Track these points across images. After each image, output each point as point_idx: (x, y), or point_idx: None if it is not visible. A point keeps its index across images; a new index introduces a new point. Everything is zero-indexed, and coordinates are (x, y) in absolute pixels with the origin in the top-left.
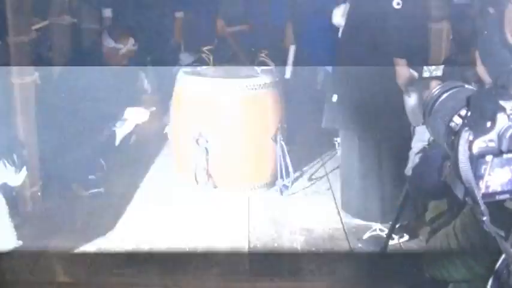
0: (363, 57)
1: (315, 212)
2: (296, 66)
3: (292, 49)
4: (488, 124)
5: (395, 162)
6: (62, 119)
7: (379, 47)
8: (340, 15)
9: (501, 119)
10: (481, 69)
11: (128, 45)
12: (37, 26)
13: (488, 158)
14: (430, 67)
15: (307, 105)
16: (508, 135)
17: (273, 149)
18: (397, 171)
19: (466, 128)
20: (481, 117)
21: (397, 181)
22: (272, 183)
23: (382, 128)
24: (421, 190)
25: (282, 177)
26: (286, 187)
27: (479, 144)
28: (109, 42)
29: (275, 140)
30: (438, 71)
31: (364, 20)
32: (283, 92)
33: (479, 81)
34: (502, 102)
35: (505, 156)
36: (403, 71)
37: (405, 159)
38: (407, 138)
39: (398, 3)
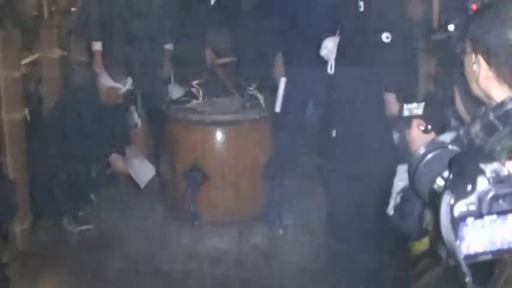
0: (354, 91)
1: (306, 245)
2: (286, 99)
3: (282, 82)
4: (469, 188)
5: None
6: (52, 154)
7: (370, 81)
8: (329, 49)
9: (481, 183)
10: (460, 107)
11: (127, 85)
12: (27, 60)
13: (470, 220)
14: (409, 105)
15: (298, 138)
16: (488, 198)
17: (263, 183)
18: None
19: (448, 192)
20: (461, 180)
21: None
22: (263, 217)
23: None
24: (403, 229)
25: (272, 210)
26: (277, 221)
27: (460, 208)
28: (108, 81)
29: (265, 174)
30: (418, 109)
31: (354, 54)
32: (273, 125)
33: (459, 119)
34: (482, 165)
35: (485, 218)
36: (392, 105)
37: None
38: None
39: (387, 37)
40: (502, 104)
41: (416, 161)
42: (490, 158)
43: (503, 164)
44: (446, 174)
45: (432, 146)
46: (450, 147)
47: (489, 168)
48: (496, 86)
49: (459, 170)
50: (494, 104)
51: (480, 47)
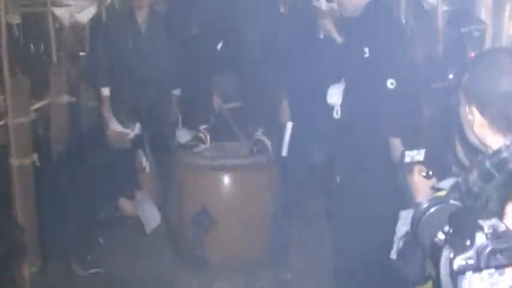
0: (360, 137)
1: None
2: (293, 143)
3: (289, 126)
4: (468, 242)
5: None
6: (61, 198)
7: (375, 127)
8: (335, 95)
9: (479, 238)
10: (460, 153)
11: (136, 130)
12: (36, 106)
13: (468, 274)
14: (410, 152)
15: (304, 182)
16: (486, 252)
17: (270, 227)
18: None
19: (447, 246)
20: (461, 235)
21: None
22: (270, 261)
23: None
24: (405, 274)
25: (280, 255)
26: (284, 265)
27: (459, 262)
28: (117, 127)
29: (272, 218)
30: (420, 155)
31: (360, 99)
32: (280, 170)
33: (460, 165)
34: (480, 221)
35: (484, 271)
36: (398, 150)
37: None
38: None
39: (392, 83)
40: (497, 152)
41: (419, 214)
42: (488, 213)
43: (501, 220)
44: (446, 228)
45: (434, 200)
46: (451, 201)
47: (487, 224)
48: (490, 134)
49: (458, 225)
50: (490, 151)
51: (473, 97)
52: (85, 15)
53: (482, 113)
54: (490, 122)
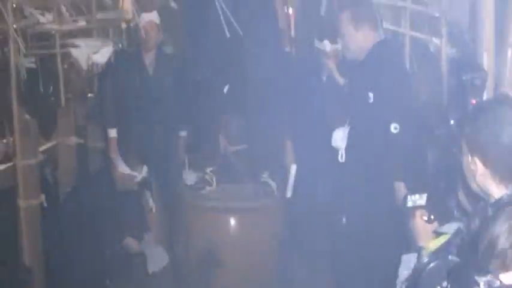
0: (365, 180)
1: None
2: (298, 185)
3: (293, 169)
4: None
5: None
6: (68, 240)
7: (379, 170)
8: (340, 139)
9: None
10: (462, 198)
11: (143, 173)
12: (44, 147)
13: None
14: (413, 196)
15: (309, 223)
16: None
17: (276, 268)
18: None
19: None
20: None
21: None
22: None
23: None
24: None
25: None
26: None
27: None
28: (124, 169)
29: (277, 259)
30: (421, 200)
31: (364, 143)
32: (285, 211)
33: (462, 210)
34: (476, 278)
35: None
36: (402, 194)
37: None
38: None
39: (395, 128)
40: (499, 201)
41: (419, 269)
42: (484, 270)
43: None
44: (445, 284)
45: (434, 255)
46: (450, 257)
47: (483, 280)
48: (492, 184)
49: (456, 281)
50: (492, 200)
51: (476, 148)
52: (102, 56)
53: (484, 164)
54: (493, 173)
